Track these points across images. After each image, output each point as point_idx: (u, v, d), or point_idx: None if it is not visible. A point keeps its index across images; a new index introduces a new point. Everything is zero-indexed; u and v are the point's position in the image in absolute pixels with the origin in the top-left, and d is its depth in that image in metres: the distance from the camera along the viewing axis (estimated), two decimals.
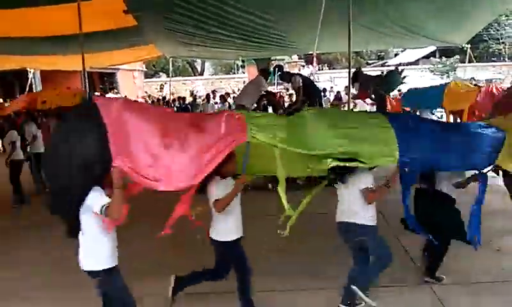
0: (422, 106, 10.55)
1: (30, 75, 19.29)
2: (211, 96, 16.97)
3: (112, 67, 26.49)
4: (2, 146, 13.50)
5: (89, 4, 9.06)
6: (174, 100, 18.04)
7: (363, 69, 9.62)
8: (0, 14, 9.83)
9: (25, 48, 13.26)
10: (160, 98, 19.76)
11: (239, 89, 23.63)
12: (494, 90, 8.47)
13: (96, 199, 3.16)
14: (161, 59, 29.45)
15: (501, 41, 35.70)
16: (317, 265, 5.14)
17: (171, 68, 22.04)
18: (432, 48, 33.41)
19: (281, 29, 11.64)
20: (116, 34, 11.98)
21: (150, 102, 18.33)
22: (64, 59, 14.79)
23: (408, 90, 11.81)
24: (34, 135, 9.28)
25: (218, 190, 3.96)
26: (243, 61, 25.15)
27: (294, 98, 9.28)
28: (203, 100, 17.44)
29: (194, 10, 10.01)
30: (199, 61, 39.45)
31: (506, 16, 32.27)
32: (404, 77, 11.30)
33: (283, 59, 26.31)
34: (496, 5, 10.66)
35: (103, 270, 3.38)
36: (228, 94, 18.11)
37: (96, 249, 3.37)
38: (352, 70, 10.40)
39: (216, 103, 16.41)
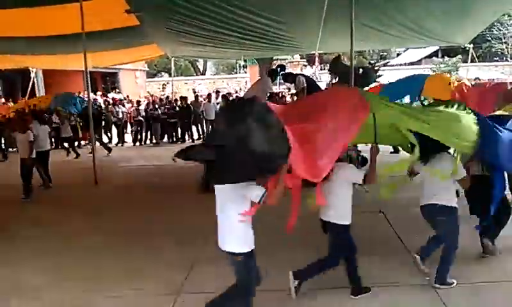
0: (400, 96, 10.66)
1: (32, 75, 19.31)
2: (213, 95, 16.97)
3: (114, 67, 26.52)
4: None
5: (91, 4, 9.08)
6: (176, 100, 18.04)
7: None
8: (3, 14, 9.85)
9: (28, 47, 13.29)
10: (163, 97, 19.73)
11: (240, 89, 23.68)
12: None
13: (255, 189, 3.43)
14: (163, 58, 29.48)
15: (503, 40, 35.61)
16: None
17: (173, 68, 22.06)
18: (434, 48, 33.43)
19: (283, 28, 11.64)
20: (118, 33, 11.99)
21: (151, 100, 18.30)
22: (67, 58, 14.82)
23: (389, 82, 11.86)
24: (35, 134, 9.30)
25: (351, 171, 4.28)
26: (245, 61, 25.16)
27: (296, 99, 9.28)
28: (205, 99, 17.44)
29: (196, 10, 10.01)
30: (201, 60, 39.48)
31: (509, 16, 32.19)
32: (380, 75, 11.89)
33: (285, 59, 26.31)
34: (499, 5, 10.64)
35: (245, 252, 3.64)
36: (230, 94, 18.11)
37: (242, 233, 3.66)
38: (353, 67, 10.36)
39: (218, 103, 16.40)
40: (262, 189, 3.45)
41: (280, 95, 13.35)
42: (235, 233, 3.65)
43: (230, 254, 3.67)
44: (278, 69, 9.48)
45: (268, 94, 8.94)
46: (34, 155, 8.83)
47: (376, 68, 11.79)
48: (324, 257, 4.40)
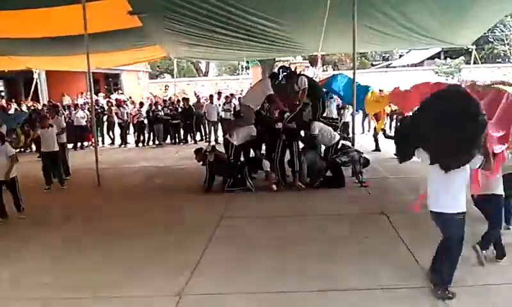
0: (345, 99, 11.84)
1: (35, 76, 19.36)
2: (215, 97, 16.96)
3: (116, 68, 26.55)
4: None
5: (94, 5, 9.09)
6: (178, 101, 18.05)
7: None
8: (6, 15, 9.88)
9: (31, 48, 13.32)
10: (166, 98, 19.75)
11: (242, 90, 23.65)
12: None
13: (475, 159, 4.06)
14: (166, 59, 29.49)
15: (506, 42, 35.54)
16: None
17: (175, 69, 22.08)
18: (437, 49, 33.34)
19: (286, 30, 11.65)
20: (121, 34, 12.01)
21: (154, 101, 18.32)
22: (70, 59, 14.85)
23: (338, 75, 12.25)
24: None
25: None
26: (248, 62, 25.15)
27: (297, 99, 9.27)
28: (207, 100, 17.45)
29: (198, 11, 10.03)
30: (203, 62, 39.47)
31: (511, 17, 32.13)
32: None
33: (288, 60, 26.29)
34: (502, 6, 10.62)
35: (463, 212, 4.17)
36: (232, 95, 18.10)
37: (463, 196, 4.17)
38: (358, 71, 10.39)
39: (220, 105, 16.38)
40: (481, 158, 4.14)
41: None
42: (458, 197, 4.16)
43: (447, 215, 4.21)
44: (280, 70, 9.48)
45: (267, 94, 8.94)
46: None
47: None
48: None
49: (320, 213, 7.01)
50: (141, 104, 17.64)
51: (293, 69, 10.07)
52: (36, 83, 19.99)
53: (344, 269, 4.85)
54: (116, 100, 19.24)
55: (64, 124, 11.05)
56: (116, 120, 17.02)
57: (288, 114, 8.72)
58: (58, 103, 15.50)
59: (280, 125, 8.69)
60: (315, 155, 8.73)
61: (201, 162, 8.80)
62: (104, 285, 4.74)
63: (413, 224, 6.19)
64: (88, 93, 18.12)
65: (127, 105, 18.27)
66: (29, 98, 19.74)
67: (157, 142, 16.49)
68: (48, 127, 9.56)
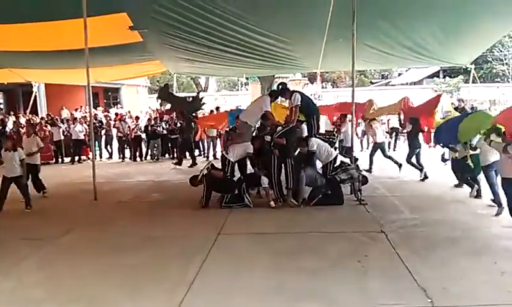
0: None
1: (35, 89, 19.39)
2: (214, 112, 16.96)
3: (116, 82, 26.62)
4: None
5: (95, 20, 9.13)
6: (177, 116, 18.05)
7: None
8: (6, 28, 9.92)
9: (31, 61, 13.37)
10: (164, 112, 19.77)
11: (240, 105, 23.69)
12: None
13: None
14: (166, 74, 29.56)
15: (505, 62, 35.82)
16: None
17: (175, 84, 22.11)
18: (436, 68, 33.59)
19: (286, 47, 11.72)
20: (121, 49, 12.07)
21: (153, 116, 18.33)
22: (70, 73, 14.89)
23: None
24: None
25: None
26: (247, 78, 25.27)
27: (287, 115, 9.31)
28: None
29: (199, 28, 10.09)
30: (203, 77, 39.64)
31: (510, 37, 32.40)
32: (203, 103, 14.91)
33: (287, 77, 26.40)
34: (500, 26, 10.70)
35: None
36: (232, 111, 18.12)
37: None
38: (357, 89, 10.42)
39: None
40: None
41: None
42: None
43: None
44: (279, 87, 9.51)
45: (264, 111, 8.96)
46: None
47: (200, 98, 14.71)
48: None
49: (319, 231, 6.95)
50: (137, 118, 17.62)
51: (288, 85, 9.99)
52: (35, 96, 20.00)
53: (342, 288, 4.78)
54: (118, 114, 19.21)
55: (42, 144, 10.26)
56: (114, 134, 17.00)
57: (280, 128, 8.69)
58: (38, 119, 15.52)
59: (268, 137, 8.67)
60: (315, 172, 8.69)
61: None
62: (99, 300, 4.68)
63: (411, 243, 6.16)
64: (87, 106, 18.15)
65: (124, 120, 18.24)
66: (28, 111, 19.71)
67: (155, 157, 16.42)
68: (11, 150, 8.64)
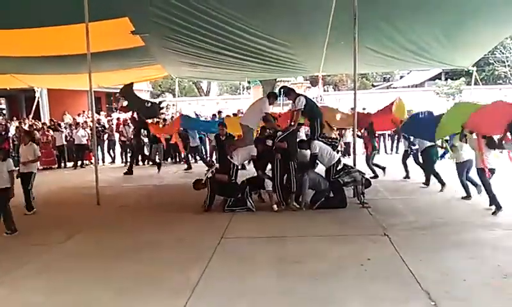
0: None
1: (37, 94, 19.44)
2: (216, 116, 16.99)
3: (118, 87, 26.64)
4: None
5: (97, 25, 9.15)
6: (131, 119, 17.98)
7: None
8: (8, 34, 9.95)
9: (34, 67, 13.40)
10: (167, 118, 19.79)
11: (239, 110, 23.72)
12: None
13: None
14: (168, 79, 29.58)
15: (507, 64, 35.74)
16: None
17: (177, 88, 22.13)
18: (438, 70, 33.54)
19: (287, 50, 11.73)
20: (123, 54, 12.09)
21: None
22: (72, 78, 14.92)
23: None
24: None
25: None
26: (249, 82, 25.28)
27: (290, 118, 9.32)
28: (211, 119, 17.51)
29: (199, 32, 10.11)
30: (205, 81, 39.67)
31: (511, 39, 32.35)
32: (162, 108, 15.47)
33: (289, 80, 26.40)
34: (501, 29, 10.70)
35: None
36: (235, 115, 18.15)
37: None
38: (359, 92, 10.44)
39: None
40: None
41: (278, 115, 13.15)
42: None
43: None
44: (281, 90, 9.55)
45: (264, 114, 8.99)
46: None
47: (160, 107, 15.10)
48: None
49: (322, 234, 6.94)
50: None
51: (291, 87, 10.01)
52: (38, 101, 20.05)
53: (345, 291, 4.77)
54: (120, 119, 19.21)
55: (39, 153, 9.71)
56: (116, 139, 17.01)
57: (280, 132, 8.69)
58: (38, 125, 15.51)
59: (270, 142, 8.67)
60: (318, 176, 8.68)
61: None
62: (99, 305, 4.67)
63: (415, 246, 6.15)
64: (89, 111, 18.20)
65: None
66: (31, 116, 19.77)
67: (157, 161, 16.41)
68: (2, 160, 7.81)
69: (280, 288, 4.93)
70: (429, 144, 9.73)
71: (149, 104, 14.55)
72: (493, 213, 7.65)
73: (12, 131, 16.80)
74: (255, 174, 8.94)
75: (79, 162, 16.17)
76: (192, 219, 8.20)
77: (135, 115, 14.15)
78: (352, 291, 4.79)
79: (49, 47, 11.21)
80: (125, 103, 13.88)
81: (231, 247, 6.44)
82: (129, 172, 14.07)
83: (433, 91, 34.01)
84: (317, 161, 8.84)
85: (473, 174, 8.56)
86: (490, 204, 7.87)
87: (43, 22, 9.55)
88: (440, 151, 9.74)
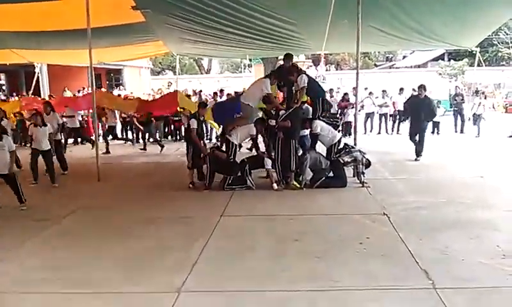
0: None
1: (37, 69, 19.33)
2: (218, 94, 16.96)
3: (118, 63, 26.54)
4: None
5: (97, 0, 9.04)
6: None
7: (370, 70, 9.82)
8: (8, 8, 9.84)
9: (33, 42, 13.29)
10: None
11: (244, 89, 23.64)
12: None
13: None
14: (168, 56, 29.39)
15: (510, 45, 35.45)
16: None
17: (178, 66, 22.00)
18: (441, 51, 33.32)
19: (290, 28, 11.60)
20: (124, 29, 11.98)
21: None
22: (72, 53, 14.81)
23: None
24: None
25: None
26: (250, 60, 25.10)
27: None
28: (211, 98, 17.43)
29: (201, 8, 9.97)
30: (206, 59, 39.43)
31: None
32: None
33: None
34: (506, 9, 10.56)
35: None
36: (236, 93, 18.09)
37: None
38: (361, 71, 10.40)
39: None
40: None
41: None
42: None
43: None
44: (285, 57, 9.43)
45: (265, 93, 8.92)
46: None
47: None
48: None
49: (321, 213, 6.96)
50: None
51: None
52: (38, 77, 19.94)
53: (344, 270, 4.80)
54: (123, 96, 19.15)
55: (61, 121, 11.04)
56: (117, 116, 16.96)
57: (283, 112, 8.65)
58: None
59: (273, 122, 8.64)
60: (319, 155, 8.67)
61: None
62: (102, 281, 4.70)
63: (414, 225, 6.17)
64: (89, 87, 18.11)
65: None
66: (30, 92, 19.69)
67: (158, 138, 16.40)
68: (41, 125, 9.29)
69: (279, 266, 4.95)
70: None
71: None
72: None
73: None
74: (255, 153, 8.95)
75: (79, 139, 16.15)
76: (192, 196, 8.23)
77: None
78: (351, 269, 4.82)
79: (49, 22, 11.08)
80: None
81: (231, 225, 6.47)
82: (144, 148, 14.52)
83: (436, 72, 33.83)
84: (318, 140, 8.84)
85: None
86: None
87: None
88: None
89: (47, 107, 10.87)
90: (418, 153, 10.98)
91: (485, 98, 18.10)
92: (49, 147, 9.33)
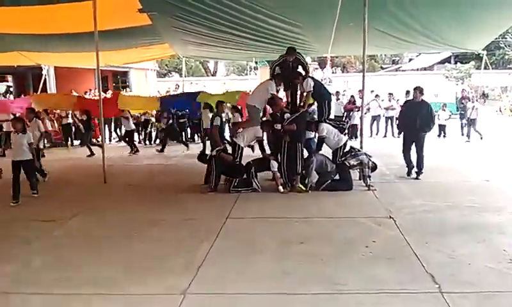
0: None
1: (44, 72, 19.42)
2: None
3: (125, 66, 26.62)
4: None
5: (104, 2, 9.09)
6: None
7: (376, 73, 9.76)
8: (16, 11, 9.91)
9: (41, 45, 13.37)
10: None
11: (250, 90, 23.64)
12: None
13: None
14: (174, 58, 29.44)
15: None
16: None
17: (184, 68, 22.05)
18: (447, 54, 33.19)
19: (296, 30, 11.61)
20: (130, 32, 12.03)
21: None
22: (79, 56, 14.89)
23: None
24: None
25: None
26: (256, 63, 25.11)
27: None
28: None
29: (207, 10, 10.01)
30: (212, 61, 39.49)
31: None
32: None
33: None
34: None
35: None
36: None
37: None
38: (367, 74, 10.38)
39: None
40: None
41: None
42: None
43: None
44: (288, 50, 9.39)
45: (270, 95, 8.92)
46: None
47: None
48: None
49: (327, 216, 6.95)
50: None
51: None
52: (45, 79, 20.04)
53: (350, 273, 4.78)
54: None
55: (43, 128, 10.59)
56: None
57: (288, 115, 8.64)
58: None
59: (279, 126, 8.64)
60: (325, 158, 8.66)
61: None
62: (106, 282, 4.71)
63: (420, 229, 6.15)
64: (96, 89, 18.19)
65: None
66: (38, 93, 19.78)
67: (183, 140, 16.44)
68: (19, 132, 8.26)
69: (284, 269, 4.95)
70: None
71: None
72: None
73: None
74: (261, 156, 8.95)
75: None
76: (197, 198, 8.24)
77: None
78: (357, 272, 4.80)
79: (57, 25, 11.16)
80: None
81: (236, 228, 6.47)
82: (162, 150, 14.56)
83: (442, 75, 33.72)
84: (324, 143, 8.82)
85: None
86: None
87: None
88: None
89: (30, 113, 10.37)
90: (419, 170, 9.44)
91: (484, 100, 17.99)
92: (27, 157, 8.25)
